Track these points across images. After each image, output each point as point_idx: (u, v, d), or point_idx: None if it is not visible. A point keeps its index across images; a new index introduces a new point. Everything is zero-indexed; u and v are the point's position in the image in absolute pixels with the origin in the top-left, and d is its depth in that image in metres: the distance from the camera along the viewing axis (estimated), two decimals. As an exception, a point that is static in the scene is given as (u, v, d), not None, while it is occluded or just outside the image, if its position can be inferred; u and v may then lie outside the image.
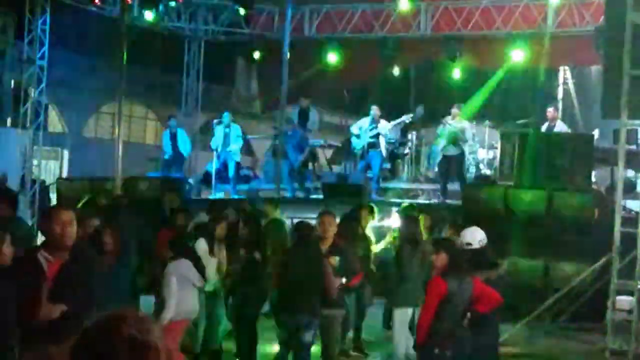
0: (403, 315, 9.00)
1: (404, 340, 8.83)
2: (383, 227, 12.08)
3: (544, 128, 16.13)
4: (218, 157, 17.28)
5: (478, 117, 19.43)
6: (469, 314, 6.62)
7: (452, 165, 16.13)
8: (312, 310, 7.59)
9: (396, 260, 9.30)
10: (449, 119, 16.03)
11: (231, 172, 17.34)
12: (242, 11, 20.01)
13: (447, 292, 6.36)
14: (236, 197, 16.71)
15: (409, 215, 10.38)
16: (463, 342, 6.48)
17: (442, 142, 16.17)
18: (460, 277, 6.43)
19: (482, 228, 7.50)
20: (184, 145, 17.98)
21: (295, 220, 9.40)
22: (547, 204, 13.41)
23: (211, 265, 8.94)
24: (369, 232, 10.77)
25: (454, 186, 16.15)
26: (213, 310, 9.26)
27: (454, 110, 16.17)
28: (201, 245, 8.95)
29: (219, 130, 17.32)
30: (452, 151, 15.98)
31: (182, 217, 10.22)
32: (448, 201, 15.59)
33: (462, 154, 16.27)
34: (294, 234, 8.05)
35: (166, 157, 18.12)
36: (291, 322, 7.64)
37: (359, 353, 10.51)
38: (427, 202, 16.35)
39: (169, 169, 17.95)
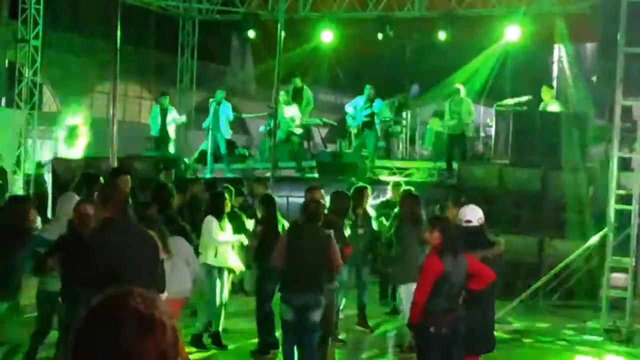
0: (409, 290, 9.06)
1: None
2: (378, 205, 12.09)
3: (540, 107, 16.12)
4: (209, 135, 17.23)
5: (473, 95, 19.37)
6: (463, 292, 6.64)
7: (456, 144, 16.06)
8: (320, 289, 7.58)
9: (397, 238, 9.34)
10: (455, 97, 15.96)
11: (222, 149, 17.26)
12: None
13: (443, 270, 6.35)
14: (230, 176, 16.63)
15: (408, 193, 10.39)
16: (458, 321, 6.49)
17: (451, 121, 15.99)
18: (456, 255, 6.44)
19: (477, 206, 7.51)
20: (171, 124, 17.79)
21: (291, 199, 9.43)
22: (542, 182, 13.45)
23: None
24: (369, 210, 10.81)
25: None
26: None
27: (459, 88, 16.07)
28: (211, 222, 9.05)
29: (210, 108, 17.23)
30: (457, 130, 15.89)
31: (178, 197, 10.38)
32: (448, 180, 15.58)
33: (464, 134, 16.16)
34: (302, 213, 7.95)
35: (154, 133, 18.00)
36: (299, 301, 7.53)
37: (364, 328, 10.64)
38: (422, 180, 16.34)
39: (158, 147, 17.77)
